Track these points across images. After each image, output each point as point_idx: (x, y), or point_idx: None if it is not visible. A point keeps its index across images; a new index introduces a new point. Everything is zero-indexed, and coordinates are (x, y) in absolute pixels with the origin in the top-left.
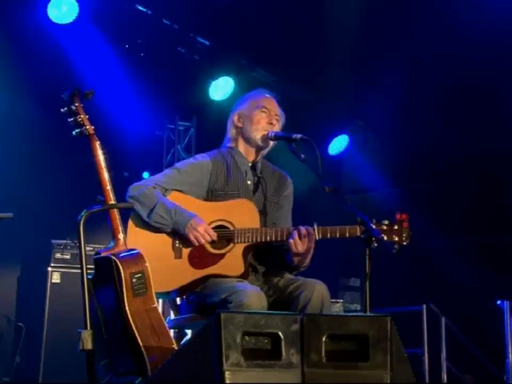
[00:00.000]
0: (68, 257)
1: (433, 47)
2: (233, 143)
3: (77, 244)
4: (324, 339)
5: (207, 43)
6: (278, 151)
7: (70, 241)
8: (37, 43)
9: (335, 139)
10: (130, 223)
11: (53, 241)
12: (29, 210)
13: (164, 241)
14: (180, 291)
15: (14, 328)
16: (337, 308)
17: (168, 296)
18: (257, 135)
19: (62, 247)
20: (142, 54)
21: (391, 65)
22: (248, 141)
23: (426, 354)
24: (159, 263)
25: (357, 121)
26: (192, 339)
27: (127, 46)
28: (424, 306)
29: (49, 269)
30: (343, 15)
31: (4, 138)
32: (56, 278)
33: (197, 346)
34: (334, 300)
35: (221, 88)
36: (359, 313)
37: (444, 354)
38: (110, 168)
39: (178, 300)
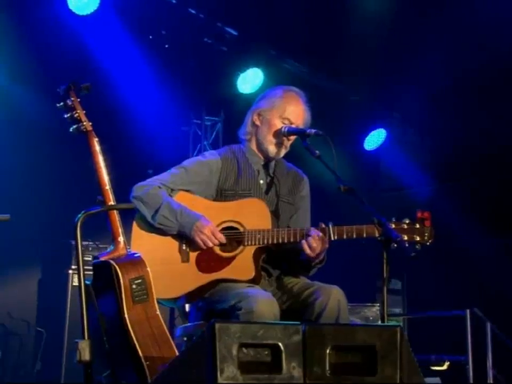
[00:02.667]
0: (89, 259)
1: (474, 35)
2: (248, 136)
3: (99, 245)
4: (328, 351)
5: (235, 33)
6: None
7: (91, 243)
8: (56, 35)
9: (371, 133)
10: (134, 225)
11: (73, 242)
12: (49, 211)
13: (170, 244)
14: (188, 297)
15: (35, 334)
16: (373, 312)
17: (175, 303)
18: (269, 146)
19: (82, 248)
20: (166, 46)
21: (430, 54)
22: (259, 144)
23: (470, 362)
24: (165, 267)
25: (395, 114)
26: (186, 351)
27: (150, 37)
28: (468, 311)
29: (70, 271)
30: (378, 3)
31: (21, 136)
32: (77, 281)
33: (191, 359)
34: (370, 304)
35: (249, 80)
36: (368, 323)
37: (489, 362)
38: (109, 167)
39: (187, 307)
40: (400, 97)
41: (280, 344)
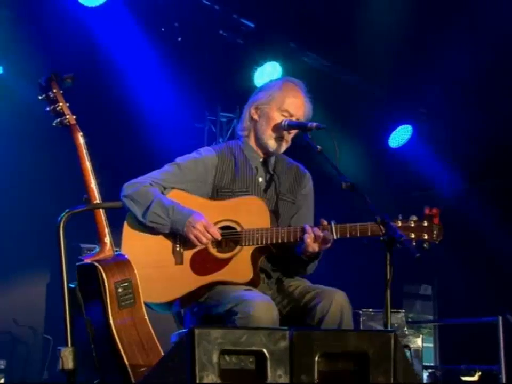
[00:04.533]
0: None
1: (505, 20)
2: (246, 132)
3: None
4: (316, 358)
5: (252, 25)
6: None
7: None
8: (64, 28)
9: (397, 130)
10: (125, 225)
11: (82, 245)
12: (57, 214)
13: (163, 245)
14: (182, 301)
15: (42, 341)
16: (398, 318)
17: (170, 308)
18: (269, 141)
19: (92, 251)
20: (179, 39)
21: (457, 42)
22: (258, 140)
23: (503, 372)
24: (157, 270)
25: (421, 109)
26: (165, 359)
27: (162, 29)
28: (500, 317)
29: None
30: None
31: (29, 136)
32: None
33: (170, 367)
34: (395, 310)
35: (267, 75)
36: (359, 329)
37: None
38: (94, 167)
39: (182, 312)
40: (426, 91)
41: (265, 350)
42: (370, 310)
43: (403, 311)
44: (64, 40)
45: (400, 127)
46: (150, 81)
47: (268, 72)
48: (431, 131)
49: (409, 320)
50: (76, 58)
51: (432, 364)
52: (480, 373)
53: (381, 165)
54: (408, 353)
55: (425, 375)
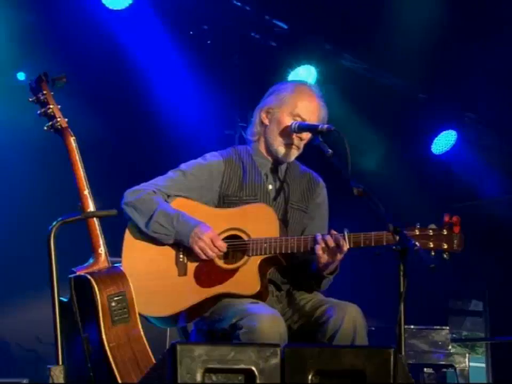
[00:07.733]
0: None
1: None
2: (256, 137)
3: None
4: (310, 376)
5: (285, 27)
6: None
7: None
8: (88, 31)
9: (440, 135)
10: (126, 235)
11: None
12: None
13: (166, 255)
14: (187, 316)
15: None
16: (442, 336)
17: (175, 323)
18: (279, 147)
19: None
20: (208, 42)
21: (506, 42)
22: (268, 146)
23: None
24: (160, 282)
25: (468, 114)
26: (145, 378)
27: (191, 32)
28: None
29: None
30: None
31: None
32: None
33: None
34: (438, 327)
35: (301, 78)
36: (356, 345)
37: None
38: (85, 169)
39: (189, 327)
40: (474, 94)
41: (254, 368)
42: (412, 326)
43: (447, 328)
44: (88, 45)
45: (444, 132)
46: (177, 86)
47: (302, 75)
48: (478, 136)
49: (463, 337)
50: (100, 64)
51: None
52: None
53: (422, 173)
54: (453, 373)
55: None
